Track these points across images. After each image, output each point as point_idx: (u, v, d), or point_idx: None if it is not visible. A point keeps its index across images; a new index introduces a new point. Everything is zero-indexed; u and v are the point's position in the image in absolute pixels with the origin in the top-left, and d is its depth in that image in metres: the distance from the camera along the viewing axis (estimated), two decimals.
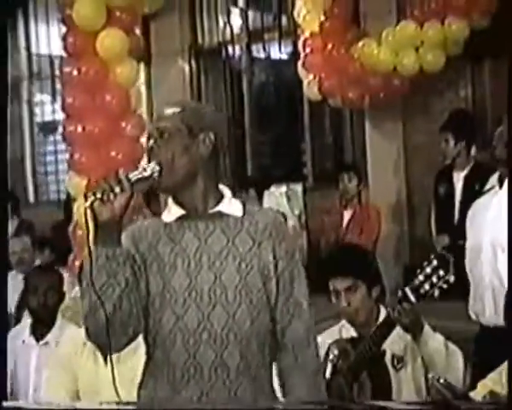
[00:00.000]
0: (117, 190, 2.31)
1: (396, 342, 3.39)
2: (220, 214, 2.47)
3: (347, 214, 6.91)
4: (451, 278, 3.18)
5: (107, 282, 2.34)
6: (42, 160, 10.31)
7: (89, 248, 2.37)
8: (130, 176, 2.35)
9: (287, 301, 2.48)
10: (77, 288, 4.19)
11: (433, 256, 3.19)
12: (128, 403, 2.58)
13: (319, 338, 3.49)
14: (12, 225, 7.19)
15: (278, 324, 2.49)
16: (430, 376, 3.15)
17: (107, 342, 2.38)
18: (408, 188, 7.79)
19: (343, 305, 3.48)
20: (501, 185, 3.45)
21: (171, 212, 2.49)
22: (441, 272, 3.16)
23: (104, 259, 2.33)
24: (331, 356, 3.36)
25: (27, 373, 4.36)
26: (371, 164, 7.87)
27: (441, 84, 7.39)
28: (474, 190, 6.10)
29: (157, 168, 2.40)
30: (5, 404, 2.52)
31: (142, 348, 2.58)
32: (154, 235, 2.48)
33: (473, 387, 3.10)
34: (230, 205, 2.49)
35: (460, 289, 3.60)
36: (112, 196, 2.30)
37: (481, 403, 2.52)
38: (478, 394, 2.88)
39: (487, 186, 4.44)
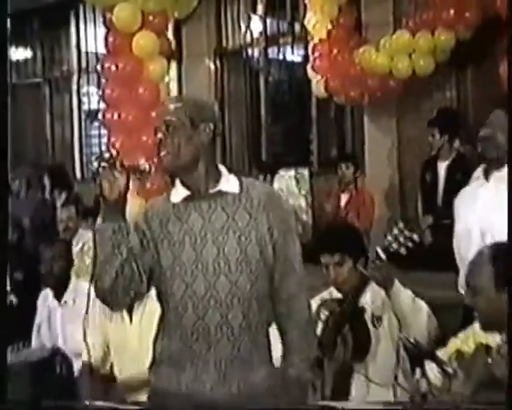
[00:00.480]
0: (117, 174, 2.34)
1: (375, 302, 3.38)
2: (220, 193, 2.46)
3: (344, 197, 6.92)
4: (415, 237, 3.18)
5: (112, 251, 2.36)
6: (88, 142, 10.34)
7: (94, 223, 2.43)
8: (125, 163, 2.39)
9: (282, 263, 2.48)
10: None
11: (399, 219, 3.19)
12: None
13: (312, 301, 3.53)
14: (61, 197, 7.24)
15: (275, 283, 2.49)
16: (402, 335, 3.13)
17: (112, 301, 2.45)
18: (400, 175, 7.76)
19: (332, 277, 3.48)
20: (487, 178, 3.36)
21: (178, 192, 2.49)
22: (406, 233, 3.15)
23: (111, 232, 2.36)
24: (322, 316, 3.35)
25: (55, 330, 4.37)
26: (368, 154, 7.85)
27: (430, 86, 7.35)
28: (455, 178, 6.10)
29: (147, 168, 2.43)
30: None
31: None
32: (164, 214, 2.48)
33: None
34: (228, 183, 2.48)
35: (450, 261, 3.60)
36: (113, 179, 2.34)
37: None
38: (446, 353, 2.82)
39: (473, 177, 4.41)
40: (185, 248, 2.42)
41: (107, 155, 2.40)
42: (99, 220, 2.40)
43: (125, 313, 3.69)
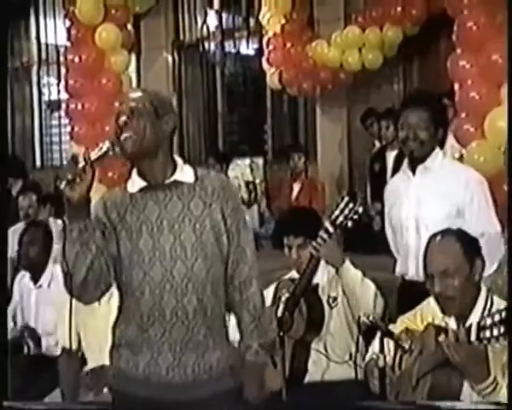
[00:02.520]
0: (81, 174, 2.29)
1: (331, 284, 3.41)
2: (176, 183, 2.44)
3: (296, 187, 6.95)
4: (360, 209, 3.20)
5: (81, 250, 2.33)
6: (48, 132, 10.20)
7: (64, 224, 2.38)
8: (92, 156, 2.32)
9: (235, 250, 2.47)
10: None
11: (344, 193, 3.22)
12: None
13: (273, 285, 3.54)
14: (17, 185, 7.10)
15: (229, 269, 2.48)
16: (361, 314, 3.16)
17: (84, 297, 2.42)
18: (350, 164, 7.84)
19: (293, 258, 3.50)
20: (413, 172, 3.34)
21: (135, 183, 2.46)
22: (351, 205, 3.17)
23: (77, 232, 2.32)
24: (283, 297, 3.36)
25: (29, 310, 4.33)
26: (320, 143, 7.90)
27: (379, 79, 7.42)
28: (402, 166, 6.19)
29: (109, 145, 2.36)
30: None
31: None
32: (122, 205, 2.45)
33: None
34: (183, 173, 2.46)
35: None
36: (78, 180, 2.28)
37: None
38: (396, 328, 2.86)
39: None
40: (143, 237, 2.40)
41: (74, 153, 2.34)
42: (66, 221, 2.35)
43: None
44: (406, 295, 3.25)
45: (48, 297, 4.08)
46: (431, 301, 2.79)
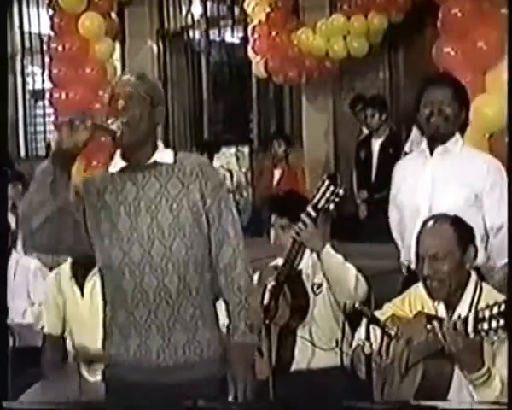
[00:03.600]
0: (81, 126, 2.24)
1: (315, 270, 3.38)
2: (155, 164, 2.43)
3: (278, 173, 6.95)
4: (341, 192, 3.16)
5: (47, 198, 2.28)
6: (32, 121, 10.14)
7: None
8: (97, 122, 2.31)
9: (216, 231, 2.45)
10: None
11: (325, 177, 3.18)
12: None
13: (257, 274, 3.52)
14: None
15: (213, 251, 2.47)
16: (348, 302, 3.15)
17: (38, 245, 2.41)
18: (335, 152, 7.83)
19: (273, 239, 3.46)
20: (431, 153, 3.29)
21: (116, 163, 2.45)
22: (332, 188, 3.13)
23: (51, 179, 2.27)
24: (268, 285, 3.34)
25: None
26: (306, 131, 7.89)
27: (364, 67, 7.41)
28: (388, 154, 6.20)
29: (121, 127, 2.33)
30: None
31: None
32: (102, 184, 2.43)
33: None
34: (163, 154, 2.45)
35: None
36: (76, 128, 2.23)
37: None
38: (383, 314, 2.85)
39: (406, 148, 4.41)
40: (121, 217, 2.40)
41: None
42: (45, 163, 2.30)
43: (75, 287, 3.62)
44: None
45: (13, 289, 4.01)
46: (420, 286, 2.77)
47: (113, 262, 2.40)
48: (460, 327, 2.37)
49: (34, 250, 2.47)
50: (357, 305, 2.82)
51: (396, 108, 7.21)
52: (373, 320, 2.64)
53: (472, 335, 2.33)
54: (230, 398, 2.44)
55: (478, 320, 2.31)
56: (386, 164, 6.16)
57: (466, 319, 2.37)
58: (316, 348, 3.38)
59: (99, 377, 3.56)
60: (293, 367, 3.37)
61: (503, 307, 2.25)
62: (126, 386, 2.44)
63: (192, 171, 2.43)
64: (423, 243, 2.70)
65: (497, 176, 3.24)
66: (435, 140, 3.28)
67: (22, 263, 4.20)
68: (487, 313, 2.28)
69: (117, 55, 8.36)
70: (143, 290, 2.39)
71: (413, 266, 3.34)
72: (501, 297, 2.53)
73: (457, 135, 3.29)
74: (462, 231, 2.68)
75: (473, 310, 2.54)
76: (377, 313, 2.85)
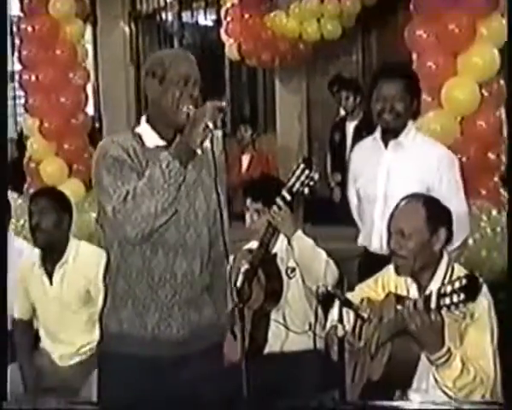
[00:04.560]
0: None
1: (290, 255, 3.39)
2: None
3: (246, 159, 6.89)
4: (316, 176, 3.17)
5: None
6: (4, 104, 9.98)
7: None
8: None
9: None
10: None
11: (300, 161, 3.19)
12: None
13: (231, 257, 3.52)
14: None
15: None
16: (320, 284, 3.16)
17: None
18: (309, 135, 7.84)
19: (248, 223, 3.49)
20: (386, 145, 3.35)
21: (152, 138, 2.43)
22: (307, 172, 3.14)
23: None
24: (242, 268, 3.34)
25: None
26: (279, 115, 7.89)
27: (338, 50, 7.41)
28: (362, 137, 6.18)
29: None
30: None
31: None
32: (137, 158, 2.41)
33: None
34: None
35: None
36: None
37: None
38: (355, 296, 2.88)
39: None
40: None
41: None
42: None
43: (44, 276, 3.59)
44: (367, 267, 3.25)
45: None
46: (391, 267, 2.80)
47: (153, 235, 2.38)
48: (422, 305, 2.38)
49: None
50: (329, 288, 2.83)
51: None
52: (345, 303, 2.66)
53: (434, 311, 2.35)
54: None
55: (440, 296, 2.33)
56: None
57: (429, 295, 2.39)
58: (289, 331, 3.40)
59: (71, 362, 3.58)
60: (267, 350, 3.39)
61: (464, 281, 2.26)
62: (130, 360, 2.45)
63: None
64: (393, 219, 2.73)
65: (446, 167, 3.34)
66: (388, 133, 3.34)
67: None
68: (449, 288, 2.29)
69: (88, 36, 8.30)
70: (173, 272, 2.44)
71: (372, 248, 3.41)
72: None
73: (410, 125, 3.36)
74: (433, 212, 2.69)
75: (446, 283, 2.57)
76: (350, 295, 2.87)
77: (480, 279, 2.34)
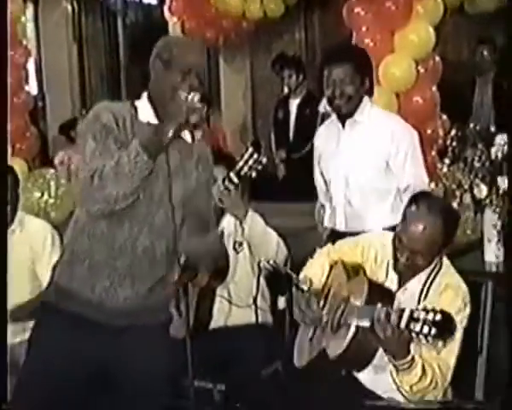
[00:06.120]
0: None
1: (237, 230, 3.38)
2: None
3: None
4: (264, 160, 3.19)
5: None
6: None
7: None
8: None
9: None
10: None
11: (249, 144, 3.22)
12: None
13: None
14: None
15: None
16: (262, 259, 3.19)
17: None
18: (253, 113, 7.85)
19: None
20: (343, 125, 3.38)
21: (148, 116, 2.44)
22: (255, 156, 3.16)
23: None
24: None
25: None
26: (224, 93, 7.88)
27: (281, 28, 7.42)
28: (305, 115, 6.25)
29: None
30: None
31: None
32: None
33: None
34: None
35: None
36: None
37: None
38: (333, 252, 2.89)
39: (321, 108, 4.43)
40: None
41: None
42: None
43: None
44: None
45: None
46: (373, 236, 2.81)
47: (116, 211, 2.38)
48: (396, 320, 2.30)
49: None
50: (271, 262, 2.87)
51: (311, 69, 7.26)
52: (287, 277, 2.70)
53: (403, 329, 2.27)
54: None
55: (412, 319, 2.23)
56: (303, 124, 6.23)
57: (402, 313, 2.29)
58: (232, 305, 3.42)
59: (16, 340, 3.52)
60: (212, 326, 3.41)
61: (438, 317, 2.17)
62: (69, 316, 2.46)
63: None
64: (407, 230, 2.56)
65: (401, 139, 3.35)
66: (343, 115, 3.36)
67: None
68: (422, 316, 2.20)
69: (30, 15, 8.13)
70: (134, 245, 2.42)
71: (337, 227, 3.45)
72: (457, 279, 2.58)
73: (365, 100, 3.36)
74: (449, 227, 2.58)
75: (425, 288, 2.58)
76: (330, 248, 2.91)
77: (456, 320, 2.28)
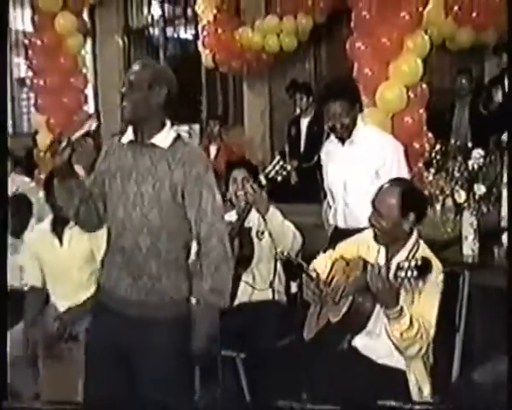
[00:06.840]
0: (63, 144, 2.33)
1: (260, 224, 3.40)
2: (152, 145, 2.40)
3: (213, 149, 6.80)
4: (288, 167, 3.24)
5: (68, 198, 2.46)
6: (19, 103, 9.98)
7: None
8: (72, 137, 2.34)
9: (197, 210, 2.39)
10: (41, 193, 3.98)
11: (277, 153, 3.24)
12: None
13: None
14: None
15: (194, 227, 2.42)
16: (278, 250, 3.19)
17: (81, 226, 2.62)
18: (271, 129, 7.84)
19: (233, 189, 3.47)
20: (343, 143, 3.39)
21: (128, 135, 2.45)
22: (282, 163, 3.19)
23: (62, 188, 2.44)
24: None
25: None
26: (247, 113, 7.88)
27: (294, 59, 7.41)
28: (313, 132, 6.23)
29: (94, 125, 2.38)
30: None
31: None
32: (114, 152, 2.49)
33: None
34: (163, 138, 2.39)
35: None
36: (59, 149, 2.34)
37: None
38: (336, 252, 2.90)
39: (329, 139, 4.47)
40: (116, 182, 2.43)
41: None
42: (55, 182, 2.45)
43: (55, 239, 3.51)
44: (336, 239, 3.27)
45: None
46: (368, 232, 2.79)
47: (111, 218, 2.45)
48: (385, 273, 2.43)
49: (88, 230, 2.68)
50: (285, 253, 2.86)
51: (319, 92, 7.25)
52: (298, 266, 2.70)
53: (392, 279, 2.39)
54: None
55: (398, 268, 2.36)
56: (312, 139, 6.22)
57: (389, 266, 2.45)
58: (255, 289, 3.42)
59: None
60: (236, 302, 3.39)
61: (419, 262, 2.32)
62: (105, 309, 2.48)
63: (180, 158, 2.36)
64: (375, 197, 2.70)
65: (388, 152, 3.37)
66: (342, 138, 3.39)
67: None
68: (406, 265, 2.34)
69: (89, 48, 8.21)
70: (122, 242, 2.41)
71: (339, 224, 3.45)
72: (429, 253, 2.62)
73: (358, 121, 3.37)
74: (407, 198, 2.64)
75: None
76: (332, 252, 2.93)
77: (433, 263, 2.39)
